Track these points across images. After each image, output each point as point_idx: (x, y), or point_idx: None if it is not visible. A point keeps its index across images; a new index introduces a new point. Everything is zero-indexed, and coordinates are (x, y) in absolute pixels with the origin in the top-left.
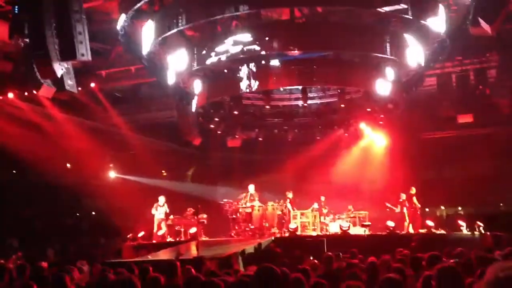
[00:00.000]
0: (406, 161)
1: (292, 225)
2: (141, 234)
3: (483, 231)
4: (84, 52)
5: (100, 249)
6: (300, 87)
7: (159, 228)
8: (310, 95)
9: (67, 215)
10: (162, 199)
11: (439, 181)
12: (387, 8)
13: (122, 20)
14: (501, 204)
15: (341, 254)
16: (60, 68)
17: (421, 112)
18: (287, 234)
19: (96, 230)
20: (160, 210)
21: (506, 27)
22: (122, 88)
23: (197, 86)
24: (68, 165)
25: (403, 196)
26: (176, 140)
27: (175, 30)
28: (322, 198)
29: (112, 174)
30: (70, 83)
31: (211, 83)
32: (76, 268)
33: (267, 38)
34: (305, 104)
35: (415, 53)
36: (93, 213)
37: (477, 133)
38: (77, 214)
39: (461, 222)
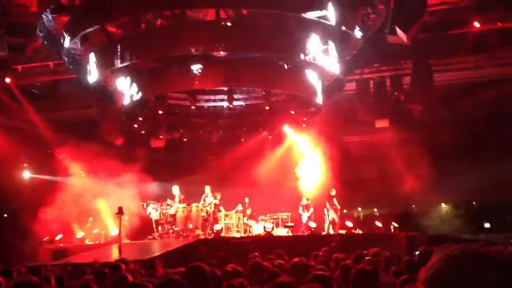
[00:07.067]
0: (327, 163)
1: (216, 227)
2: (59, 236)
3: (397, 232)
4: None
5: (14, 252)
6: (225, 89)
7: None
8: (235, 96)
9: None
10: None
11: (357, 182)
12: (310, 14)
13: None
14: (413, 206)
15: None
16: None
17: (341, 116)
18: (211, 236)
19: (9, 233)
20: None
21: (420, 36)
22: (40, 84)
23: (120, 84)
24: None
25: (304, 201)
26: (96, 139)
27: (96, 26)
28: (246, 200)
29: (27, 174)
30: None
31: (135, 81)
32: None
33: (192, 38)
34: (231, 106)
35: (336, 59)
36: (5, 215)
37: (392, 137)
38: None
39: (378, 223)
